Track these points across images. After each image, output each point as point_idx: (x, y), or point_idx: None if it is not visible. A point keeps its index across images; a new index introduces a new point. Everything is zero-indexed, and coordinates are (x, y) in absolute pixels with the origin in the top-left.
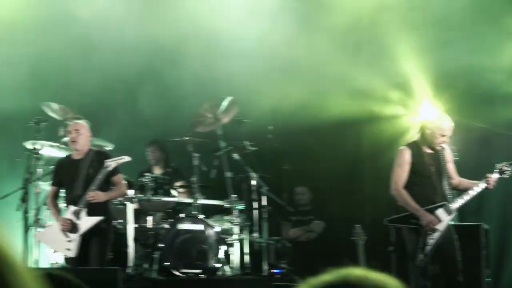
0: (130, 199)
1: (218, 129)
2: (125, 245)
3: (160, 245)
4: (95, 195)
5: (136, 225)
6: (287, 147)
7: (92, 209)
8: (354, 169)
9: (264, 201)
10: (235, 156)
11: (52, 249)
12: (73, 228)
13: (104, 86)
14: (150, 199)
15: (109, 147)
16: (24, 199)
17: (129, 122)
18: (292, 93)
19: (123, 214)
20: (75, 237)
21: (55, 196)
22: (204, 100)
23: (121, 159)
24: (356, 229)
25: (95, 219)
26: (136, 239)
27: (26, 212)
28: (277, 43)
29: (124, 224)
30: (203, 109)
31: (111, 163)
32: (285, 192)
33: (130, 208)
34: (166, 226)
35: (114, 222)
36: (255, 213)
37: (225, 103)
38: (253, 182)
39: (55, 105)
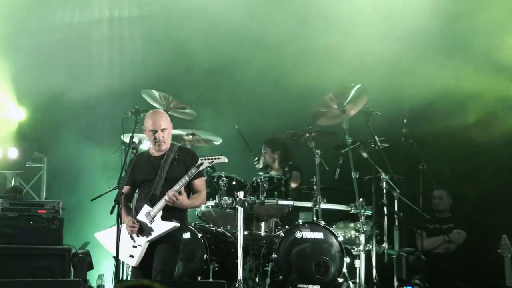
0: (242, 203)
1: (344, 122)
2: (234, 255)
3: (273, 255)
4: (178, 198)
5: (247, 233)
6: (424, 143)
7: (168, 213)
8: (501, 173)
9: (395, 206)
10: (363, 153)
11: (113, 253)
12: (142, 231)
13: (216, 76)
14: (264, 203)
15: (217, 142)
16: (119, 201)
17: (244, 114)
18: (434, 81)
19: (232, 220)
20: (142, 241)
21: (127, 196)
22: (329, 89)
23: (217, 158)
24: (502, 241)
25: (171, 225)
26: (246, 249)
27: (121, 215)
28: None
29: (233, 232)
30: (327, 99)
31: (204, 162)
32: (420, 196)
33: (241, 213)
34: (281, 234)
35: (223, 229)
36: (385, 220)
37: (352, 92)
38: (384, 184)
39: (156, 93)
